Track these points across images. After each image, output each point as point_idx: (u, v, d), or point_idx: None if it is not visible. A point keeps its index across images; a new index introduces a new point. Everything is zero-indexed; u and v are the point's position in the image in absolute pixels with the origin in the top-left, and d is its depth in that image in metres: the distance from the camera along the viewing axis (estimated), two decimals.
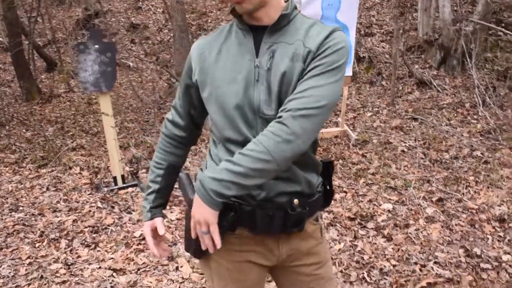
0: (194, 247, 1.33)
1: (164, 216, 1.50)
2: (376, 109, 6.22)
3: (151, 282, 2.78)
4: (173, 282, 2.79)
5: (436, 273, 2.83)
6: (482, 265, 2.89)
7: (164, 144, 1.46)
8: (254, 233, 1.32)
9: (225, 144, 1.30)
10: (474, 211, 3.56)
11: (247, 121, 1.25)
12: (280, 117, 1.14)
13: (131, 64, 8.76)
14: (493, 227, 3.33)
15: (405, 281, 2.77)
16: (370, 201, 3.79)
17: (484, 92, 5.94)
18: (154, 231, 1.47)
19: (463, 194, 3.81)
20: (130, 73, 8.37)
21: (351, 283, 2.78)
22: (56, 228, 3.44)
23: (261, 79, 1.22)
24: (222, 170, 1.13)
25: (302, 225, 1.34)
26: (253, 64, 1.23)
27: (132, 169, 4.52)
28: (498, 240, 3.16)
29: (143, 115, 6.33)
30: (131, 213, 3.63)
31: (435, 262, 2.94)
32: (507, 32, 6.49)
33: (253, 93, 1.23)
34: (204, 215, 1.16)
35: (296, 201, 1.29)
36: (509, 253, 2.99)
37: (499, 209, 3.53)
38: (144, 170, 4.52)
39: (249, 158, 1.12)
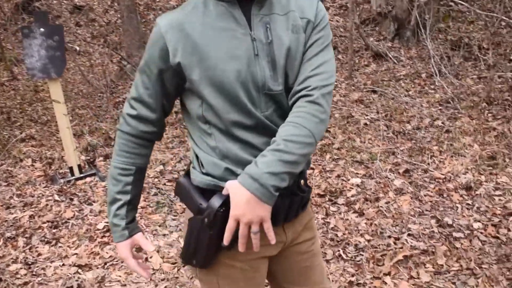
0: (204, 255, 1.19)
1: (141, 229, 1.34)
2: (335, 83, 6.18)
3: (120, 276, 2.63)
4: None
5: (411, 246, 2.81)
6: (454, 234, 2.91)
7: (129, 145, 1.24)
8: (274, 225, 1.20)
9: (230, 131, 1.16)
10: (441, 180, 3.58)
11: (252, 100, 1.14)
12: (307, 95, 1.11)
13: (78, 48, 8.34)
14: (461, 196, 3.35)
15: (381, 256, 2.74)
16: (338, 176, 3.74)
17: (440, 62, 6.00)
18: (134, 248, 1.32)
19: (429, 164, 3.83)
20: (78, 57, 7.97)
21: (327, 261, 2.72)
22: (11, 226, 3.20)
23: (261, 53, 1.12)
24: (275, 162, 1.05)
25: (307, 205, 1.30)
26: (249, 37, 1.11)
27: (89, 157, 4.30)
28: (467, 208, 3.19)
29: (95, 101, 6.04)
30: (92, 204, 3.43)
31: (408, 234, 2.93)
32: (458, 1, 6.56)
33: (256, 68, 1.12)
34: (260, 213, 1.05)
35: (302, 181, 1.23)
36: (479, 221, 3.02)
37: (465, 177, 3.56)
38: (101, 158, 4.30)
39: (298, 144, 1.06)
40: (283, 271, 1.38)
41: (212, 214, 1.11)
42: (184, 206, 3.30)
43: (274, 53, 1.13)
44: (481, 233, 2.90)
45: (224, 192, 1.11)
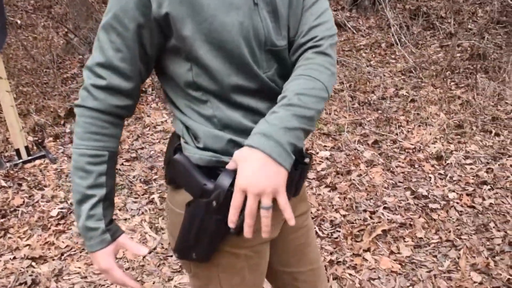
0: (208, 246, 1.00)
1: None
2: None
3: (79, 268, 2.39)
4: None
5: (388, 219, 2.71)
6: (430, 205, 2.83)
7: (97, 125, 0.97)
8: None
9: (230, 97, 0.96)
10: (410, 151, 3.50)
11: (255, 58, 0.95)
12: (315, 46, 0.98)
13: (19, 21, 7.76)
14: (432, 166, 3.28)
15: (358, 231, 2.62)
16: (306, 149, 3.59)
17: (399, 32, 5.92)
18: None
19: (397, 134, 3.74)
20: (20, 31, 7.41)
21: None
22: None
23: (261, 1, 0.93)
24: (290, 116, 0.87)
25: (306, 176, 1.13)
26: None
27: (37, 138, 3.95)
28: (440, 178, 3.12)
29: (41, 77, 5.60)
30: (43, 189, 3.14)
31: (384, 208, 2.83)
32: None
33: (257, 20, 0.92)
34: (274, 180, 0.84)
35: (304, 150, 1.07)
36: (453, 191, 2.96)
37: (434, 147, 3.49)
38: (51, 139, 3.96)
39: (314, 98, 0.91)
40: (278, 252, 1.22)
41: (222, 194, 0.91)
42: (159, 190, 3.08)
43: (276, 2, 0.94)
44: (457, 203, 2.84)
45: (230, 166, 0.90)
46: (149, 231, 2.68)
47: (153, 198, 3.02)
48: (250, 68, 0.95)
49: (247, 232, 0.88)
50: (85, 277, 2.33)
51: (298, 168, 1.03)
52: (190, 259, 1.04)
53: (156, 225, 2.73)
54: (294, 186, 1.04)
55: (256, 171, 0.84)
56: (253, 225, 0.87)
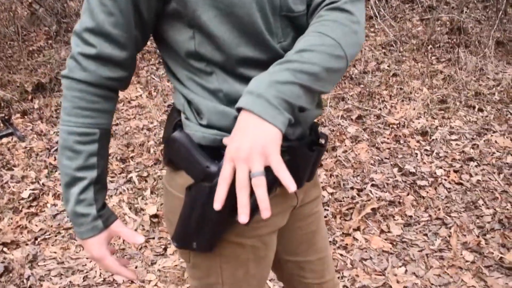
0: (211, 234, 0.88)
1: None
2: None
3: (55, 253, 2.25)
4: (83, 248, 2.28)
5: (377, 197, 2.64)
6: (418, 182, 2.77)
7: (87, 100, 0.84)
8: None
9: (237, 69, 0.83)
10: (395, 126, 3.43)
11: (269, 26, 0.82)
12: (330, 3, 0.82)
13: None
14: (418, 142, 3.22)
15: (347, 210, 2.55)
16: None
17: (378, 4, 5.81)
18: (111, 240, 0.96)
19: (381, 109, 3.67)
20: None
21: None
22: None
23: None
24: (282, 70, 0.74)
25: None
26: None
27: (3, 115, 3.72)
28: (427, 155, 3.06)
29: (5, 50, 5.30)
30: (12, 169, 2.94)
31: (372, 185, 2.76)
32: None
33: None
34: (262, 140, 0.71)
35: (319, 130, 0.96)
36: (441, 167, 2.90)
37: (419, 122, 3.44)
38: (18, 115, 3.74)
39: (321, 54, 0.76)
40: (284, 240, 1.11)
41: (207, 176, 0.82)
42: (137, 168, 2.92)
43: None
44: (445, 179, 2.79)
45: (225, 141, 0.79)
46: (128, 212, 2.54)
47: (131, 177, 2.87)
48: (263, 38, 0.82)
49: (242, 216, 0.73)
50: (62, 263, 2.19)
51: (315, 149, 0.92)
52: (190, 249, 0.92)
53: (136, 205, 2.59)
54: (309, 169, 0.93)
55: (240, 134, 0.73)
56: (247, 204, 0.73)
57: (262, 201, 0.72)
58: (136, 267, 2.17)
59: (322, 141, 0.97)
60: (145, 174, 2.87)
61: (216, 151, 0.85)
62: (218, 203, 0.74)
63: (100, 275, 2.10)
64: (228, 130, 0.83)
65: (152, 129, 3.40)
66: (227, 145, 0.75)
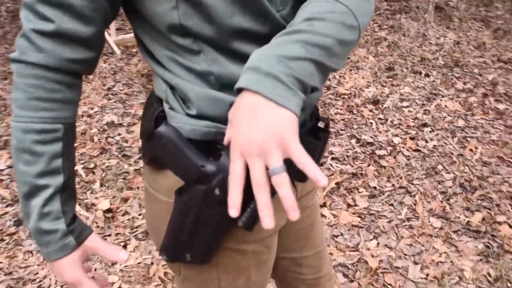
0: (209, 244, 0.75)
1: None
2: None
3: (1, 263, 2.02)
4: (32, 254, 2.07)
5: (339, 170, 2.59)
6: (377, 152, 2.74)
7: (45, 88, 0.67)
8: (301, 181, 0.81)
9: (231, 45, 0.69)
10: (346, 96, 3.38)
11: None
12: None
13: None
14: (370, 110, 3.20)
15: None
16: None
17: None
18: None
19: (330, 80, 3.61)
20: None
21: None
22: None
23: None
24: (291, 42, 0.60)
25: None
26: None
27: None
28: (381, 123, 3.04)
29: None
30: None
31: (332, 158, 2.69)
32: None
33: None
34: (276, 128, 0.56)
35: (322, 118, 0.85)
36: (397, 135, 2.89)
37: (369, 91, 3.41)
38: None
39: (333, 24, 0.62)
40: (281, 236, 1.00)
41: (201, 174, 0.69)
42: (82, 159, 2.68)
43: None
44: (403, 147, 2.78)
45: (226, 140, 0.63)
46: (78, 209, 2.34)
47: (77, 170, 2.64)
48: (261, 4, 0.67)
49: (266, 221, 0.58)
50: (10, 273, 1.97)
51: (321, 137, 0.80)
52: (183, 262, 0.79)
53: (85, 201, 2.39)
54: (316, 159, 0.81)
55: (247, 122, 0.57)
56: (271, 206, 0.58)
57: (288, 202, 0.57)
58: (95, 270, 1.99)
59: (322, 125, 0.85)
60: (91, 165, 2.65)
61: (209, 146, 0.71)
62: (234, 209, 0.60)
63: (55, 283, 1.91)
64: (222, 121, 0.69)
65: (93, 116, 3.16)
66: (230, 139, 0.61)
